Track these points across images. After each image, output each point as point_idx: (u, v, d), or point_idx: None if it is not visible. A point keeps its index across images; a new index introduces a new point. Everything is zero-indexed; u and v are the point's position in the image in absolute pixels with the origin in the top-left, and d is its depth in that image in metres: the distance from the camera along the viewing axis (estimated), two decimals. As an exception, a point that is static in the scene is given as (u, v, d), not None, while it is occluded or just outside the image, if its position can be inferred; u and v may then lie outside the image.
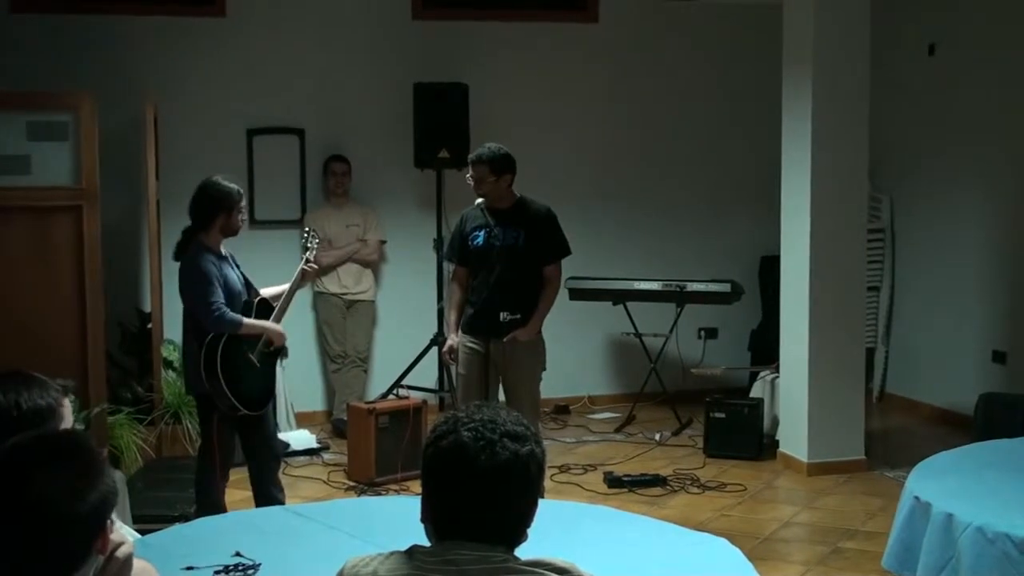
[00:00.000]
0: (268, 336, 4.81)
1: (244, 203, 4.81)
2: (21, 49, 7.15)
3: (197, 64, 7.55)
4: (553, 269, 5.29)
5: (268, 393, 4.90)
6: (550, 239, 5.26)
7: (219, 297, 4.63)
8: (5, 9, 7.25)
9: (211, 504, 4.68)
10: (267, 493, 4.81)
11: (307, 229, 5.31)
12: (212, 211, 4.71)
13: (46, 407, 2.28)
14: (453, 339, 5.33)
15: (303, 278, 5.03)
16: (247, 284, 4.91)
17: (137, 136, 6.81)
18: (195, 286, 4.66)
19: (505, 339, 5.12)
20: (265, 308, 4.87)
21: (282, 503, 4.72)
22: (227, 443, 4.83)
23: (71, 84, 6.64)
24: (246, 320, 4.72)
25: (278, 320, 4.88)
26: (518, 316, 5.10)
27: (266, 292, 4.99)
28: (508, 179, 5.18)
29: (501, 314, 5.05)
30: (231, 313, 4.65)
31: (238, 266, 4.92)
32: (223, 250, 4.82)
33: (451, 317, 5.41)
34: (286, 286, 4.97)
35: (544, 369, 5.34)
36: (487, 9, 8.06)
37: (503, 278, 5.14)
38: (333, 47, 7.80)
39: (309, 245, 5.14)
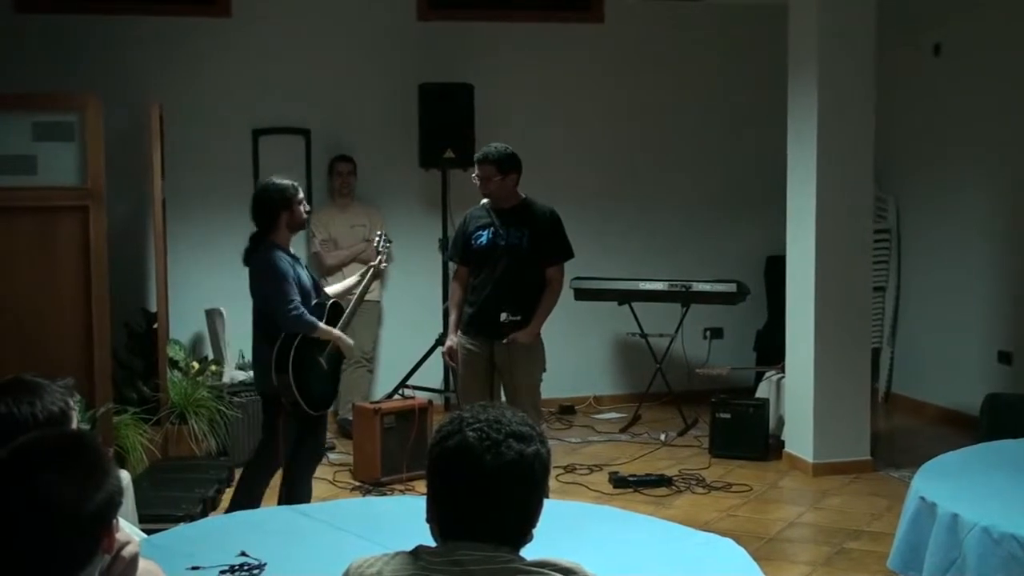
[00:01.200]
0: (337, 344, 4.88)
1: (301, 195, 4.85)
2: (26, 49, 7.16)
3: (202, 64, 7.56)
4: (556, 271, 5.29)
5: (331, 395, 4.99)
6: (554, 241, 5.26)
7: (296, 295, 4.66)
8: (9, 9, 7.26)
9: (251, 500, 4.73)
10: (299, 491, 4.82)
11: (379, 233, 5.36)
12: (274, 211, 4.76)
13: (59, 412, 2.29)
14: (453, 339, 5.34)
15: (373, 278, 5.12)
16: (316, 286, 4.95)
17: (142, 136, 6.81)
18: (271, 283, 4.68)
19: (505, 340, 5.12)
20: (336, 310, 4.93)
21: (307, 502, 4.73)
22: (288, 442, 4.86)
23: (76, 84, 6.66)
24: (320, 325, 4.77)
25: (347, 323, 4.95)
26: (518, 318, 5.10)
27: (331, 290, 5.09)
28: (514, 178, 5.19)
29: (501, 314, 5.06)
30: (308, 315, 4.70)
31: (307, 267, 4.96)
32: (292, 250, 4.87)
33: (452, 317, 5.42)
34: (350, 281, 5.14)
35: (544, 370, 5.33)
36: (492, 9, 8.07)
37: (505, 278, 5.15)
38: (338, 47, 7.81)
39: (381, 249, 5.20)
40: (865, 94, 6.35)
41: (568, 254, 5.34)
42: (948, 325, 7.67)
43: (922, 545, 3.47)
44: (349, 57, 7.83)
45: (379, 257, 5.18)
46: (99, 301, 5.79)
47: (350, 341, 4.95)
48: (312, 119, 7.78)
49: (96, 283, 5.78)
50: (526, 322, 5.15)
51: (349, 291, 5.11)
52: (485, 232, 5.22)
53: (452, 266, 5.53)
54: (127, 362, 6.83)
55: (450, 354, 5.37)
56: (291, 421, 4.81)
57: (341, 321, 4.93)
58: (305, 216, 4.88)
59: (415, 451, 6.03)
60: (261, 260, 4.72)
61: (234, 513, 4.29)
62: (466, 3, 8.05)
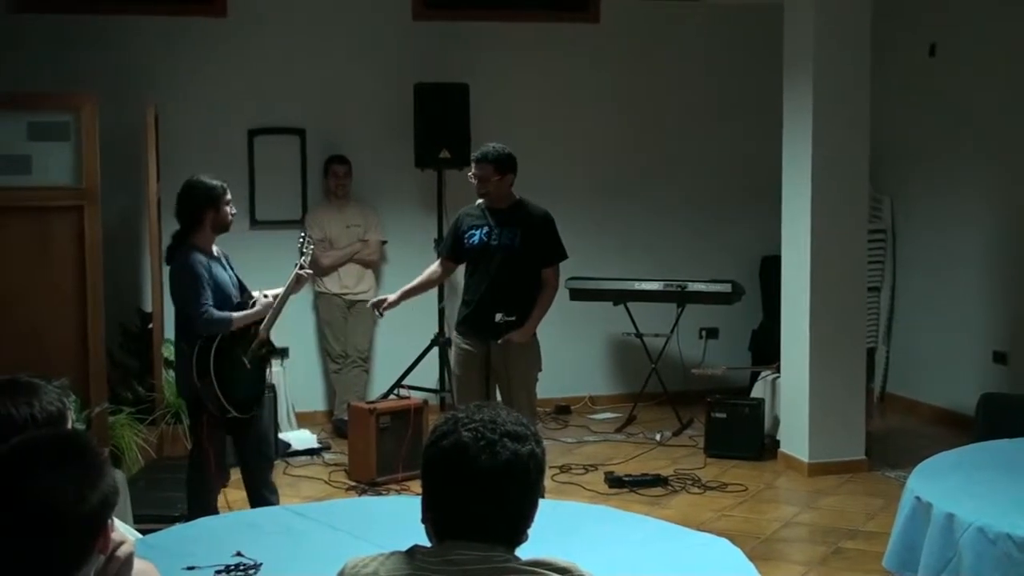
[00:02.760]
0: (263, 332, 4.76)
1: (229, 196, 4.77)
2: (21, 49, 7.15)
3: (198, 64, 7.55)
4: (551, 273, 5.30)
5: (258, 396, 4.87)
6: (548, 242, 5.27)
7: (208, 298, 4.58)
8: (5, 9, 7.25)
9: (202, 508, 4.64)
10: (259, 495, 4.81)
11: (302, 235, 5.29)
12: (198, 209, 4.69)
13: (56, 412, 2.28)
14: (393, 297, 5.41)
15: (298, 283, 4.93)
16: (240, 286, 4.86)
17: (138, 136, 6.81)
18: (184, 287, 4.62)
19: (500, 340, 5.12)
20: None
21: (274, 504, 4.70)
22: (220, 445, 4.80)
23: (72, 84, 6.65)
24: (235, 315, 4.67)
25: (270, 324, 4.83)
26: (513, 318, 5.10)
27: (258, 296, 4.89)
28: (510, 179, 5.20)
29: (497, 315, 5.05)
30: (218, 312, 4.60)
31: (232, 267, 4.88)
32: (215, 250, 4.79)
33: (408, 285, 5.47)
34: (278, 291, 4.87)
35: (540, 370, 5.34)
36: (488, 9, 8.06)
37: (499, 278, 5.15)
38: (334, 47, 7.80)
39: (304, 251, 5.10)
40: (860, 94, 6.35)
41: (561, 255, 5.34)
42: (943, 325, 7.68)
43: (918, 545, 3.47)
44: (344, 57, 7.83)
45: (300, 259, 4.96)
46: (94, 301, 5.78)
47: (267, 299, 4.75)
48: (307, 119, 7.77)
49: (91, 283, 5.78)
50: (521, 322, 5.15)
51: (276, 297, 4.84)
52: (478, 232, 5.23)
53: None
54: (122, 362, 6.83)
55: (378, 306, 5.41)
56: (218, 426, 4.73)
57: (264, 322, 4.78)
58: (231, 219, 4.78)
59: (410, 451, 6.03)
60: (178, 263, 4.66)
61: (229, 513, 4.29)
62: (461, 3, 8.04)
